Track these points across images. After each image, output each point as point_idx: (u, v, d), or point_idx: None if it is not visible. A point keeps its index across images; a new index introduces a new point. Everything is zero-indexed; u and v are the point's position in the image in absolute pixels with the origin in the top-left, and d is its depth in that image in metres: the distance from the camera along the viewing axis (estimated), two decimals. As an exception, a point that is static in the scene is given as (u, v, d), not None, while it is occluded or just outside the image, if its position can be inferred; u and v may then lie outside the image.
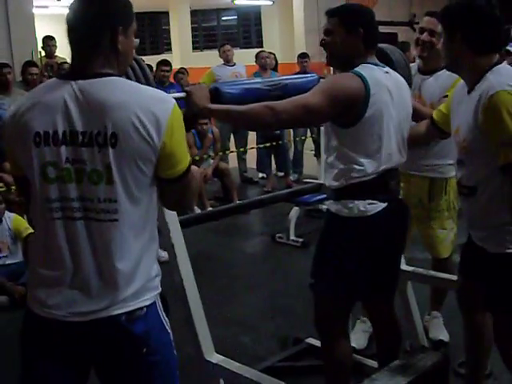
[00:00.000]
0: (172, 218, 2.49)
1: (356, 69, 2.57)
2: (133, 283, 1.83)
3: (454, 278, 3.11)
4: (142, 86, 1.94)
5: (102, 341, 1.86)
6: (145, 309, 1.86)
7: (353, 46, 2.62)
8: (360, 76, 2.52)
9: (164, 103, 1.82)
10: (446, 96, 3.47)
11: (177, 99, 1.93)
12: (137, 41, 2.57)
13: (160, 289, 1.95)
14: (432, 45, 3.57)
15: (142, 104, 1.78)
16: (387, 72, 2.66)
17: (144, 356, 1.87)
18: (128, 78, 2.09)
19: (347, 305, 2.76)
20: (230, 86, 2.76)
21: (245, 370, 2.40)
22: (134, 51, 2.00)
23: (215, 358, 2.48)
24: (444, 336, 3.84)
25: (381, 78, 2.59)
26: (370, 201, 2.59)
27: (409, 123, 2.78)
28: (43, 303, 1.85)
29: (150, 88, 1.94)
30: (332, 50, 2.71)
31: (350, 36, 2.61)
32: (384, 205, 2.61)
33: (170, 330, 1.96)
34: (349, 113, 2.52)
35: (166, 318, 1.96)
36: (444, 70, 3.54)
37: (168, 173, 1.84)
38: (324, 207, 3.56)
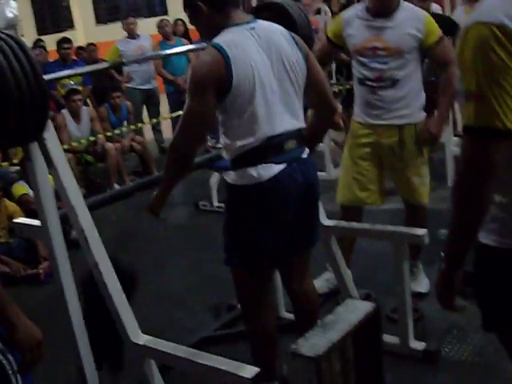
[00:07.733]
0: (78, 200, 2.36)
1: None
2: None
3: (367, 226, 3.12)
4: None
5: None
6: None
7: None
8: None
9: None
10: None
11: (81, 74, 1.78)
12: None
13: None
14: None
15: None
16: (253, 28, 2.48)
17: None
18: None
19: (261, 274, 2.68)
20: None
21: (173, 347, 2.31)
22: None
23: (141, 338, 2.37)
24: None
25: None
26: (264, 165, 2.46)
27: (298, 75, 2.55)
28: None
29: None
30: None
31: None
32: (281, 166, 2.48)
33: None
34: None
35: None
36: (398, 11, 3.49)
37: None
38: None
